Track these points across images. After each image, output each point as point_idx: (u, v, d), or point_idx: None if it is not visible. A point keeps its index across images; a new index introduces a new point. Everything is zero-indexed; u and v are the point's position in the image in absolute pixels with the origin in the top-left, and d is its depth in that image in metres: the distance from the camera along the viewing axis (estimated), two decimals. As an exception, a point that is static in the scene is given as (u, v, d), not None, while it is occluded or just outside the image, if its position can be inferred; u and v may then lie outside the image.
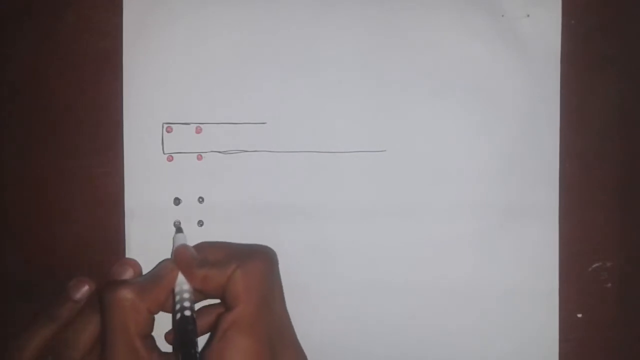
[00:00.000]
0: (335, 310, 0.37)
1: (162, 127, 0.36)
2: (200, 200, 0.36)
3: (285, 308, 0.33)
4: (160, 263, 0.33)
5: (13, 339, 0.33)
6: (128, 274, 0.35)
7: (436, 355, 0.37)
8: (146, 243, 0.36)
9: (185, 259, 0.32)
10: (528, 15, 0.37)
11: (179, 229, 0.36)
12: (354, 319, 0.37)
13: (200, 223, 0.36)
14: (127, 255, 0.36)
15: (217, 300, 0.33)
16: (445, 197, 0.37)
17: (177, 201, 0.36)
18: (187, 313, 0.30)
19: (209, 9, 0.36)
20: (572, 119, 0.37)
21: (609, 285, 0.37)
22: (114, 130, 0.36)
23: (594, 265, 0.37)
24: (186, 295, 0.31)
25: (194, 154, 0.36)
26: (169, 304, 0.31)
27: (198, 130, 0.36)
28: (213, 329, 0.31)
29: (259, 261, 0.31)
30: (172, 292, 0.31)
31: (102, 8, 0.36)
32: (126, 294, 0.29)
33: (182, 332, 0.29)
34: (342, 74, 0.36)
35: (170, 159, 0.36)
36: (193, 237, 0.35)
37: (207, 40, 0.36)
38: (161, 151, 0.36)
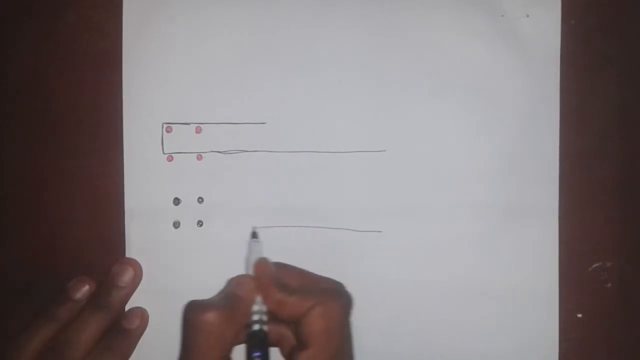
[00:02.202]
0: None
1: (162, 127, 0.36)
2: (200, 200, 0.36)
3: (353, 351, 0.32)
4: (239, 278, 0.32)
5: (13, 339, 0.33)
6: (128, 274, 0.35)
7: (436, 354, 0.37)
8: (146, 243, 0.36)
9: (265, 277, 0.31)
10: (528, 15, 0.37)
11: (254, 235, 0.35)
12: (354, 319, 0.37)
13: (200, 223, 0.36)
14: (127, 255, 0.36)
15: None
16: (445, 197, 0.37)
17: (176, 201, 0.36)
18: (265, 328, 0.30)
19: (209, 9, 0.36)
20: (572, 119, 0.37)
21: (609, 285, 0.37)
22: (114, 130, 0.36)
23: (594, 265, 0.37)
24: (264, 310, 0.31)
25: (193, 154, 0.36)
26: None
27: (198, 130, 0.36)
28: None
29: (340, 303, 0.31)
30: None
31: (102, 8, 0.36)
32: (213, 318, 0.29)
33: (257, 348, 0.30)
34: (342, 74, 0.36)
35: (170, 159, 0.36)
36: (193, 237, 0.35)
37: (207, 40, 0.36)
38: (161, 151, 0.36)
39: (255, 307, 0.31)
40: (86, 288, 0.34)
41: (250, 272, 0.32)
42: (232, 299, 0.31)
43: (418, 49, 0.37)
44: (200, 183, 0.36)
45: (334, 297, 0.31)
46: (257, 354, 0.30)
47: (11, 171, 0.36)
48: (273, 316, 0.31)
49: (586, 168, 0.37)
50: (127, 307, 0.35)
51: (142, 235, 0.36)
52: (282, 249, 0.35)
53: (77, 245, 0.36)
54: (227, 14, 0.36)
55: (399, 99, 0.37)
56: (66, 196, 0.36)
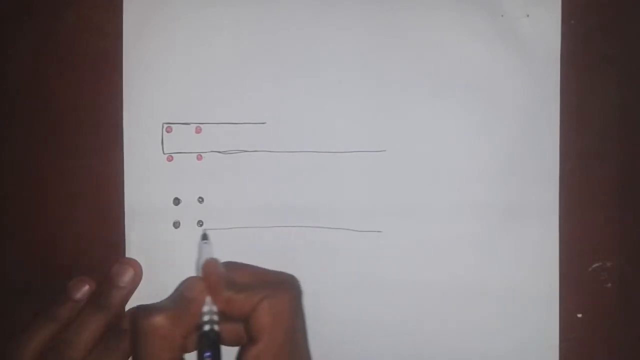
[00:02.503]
0: (334, 310, 0.37)
1: (162, 127, 0.36)
2: (200, 200, 0.36)
3: (307, 341, 0.32)
4: (188, 280, 0.32)
5: (13, 339, 0.33)
6: (128, 274, 0.35)
7: (436, 355, 0.37)
8: (146, 243, 0.36)
9: (214, 276, 0.31)
10: (528, 15, 0.37)
11: (205, 237, 0.35)
12: (354, 319, 0.37)
13: (200, 223, 0.36)
14: (127, 255, 0.36)
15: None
16: (445, 197, 0.37)
17: (176, 201, 0.36)
18: (216, 328, 0.30)
19: (209, 9, 0.36)
20: (572, 119, 0.37)
21: (609, 285, 0.37)
22: (114, 130, 0.36)
23: (594, 265, 0.37)
24: (214, 310, 0.31)
25: (193, 154, 0.36)
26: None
27: (198, 130, 0.36)
28: (237, 357, 0.31)
29: (287, 295, 0.31)
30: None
31: (102, 8, 0.36)
32: (160, 322, 0.29)
33: (207, 348, 0.29)
34: (342, 74, 0.36)
35: (170, 159, 0.36)
36: (193, 237, 0.35)
37: (207, 40, 0.36)
38: (161, 151, 0.36)
39: (206, 308, 0.31)
40: (86, 288, 0.34)
41: (200, 273, 0.32)
42: (180, 301, 0.30)
43: (418, 49, 0.37)
44: (200, 183, 0.36)
45: (281, 289, 0.31)
46: (208, 354, 0.29)
47: (11, 171, 0.36)
48: (224, 316, 0.31)
49: (586, 168, 0.37)
50: (127, 307, 0.35)
51: (142, 235, 0.36)
52: (282, 249, 0.35)
53: (77, 245, 0.36)
54: (227, 14, 0.36)
55: (399, 99, 0.37)
56: (66, 196, 0.36)
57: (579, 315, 0.37)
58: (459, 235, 0.37)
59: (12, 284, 0.36)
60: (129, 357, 0.34)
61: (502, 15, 0.37)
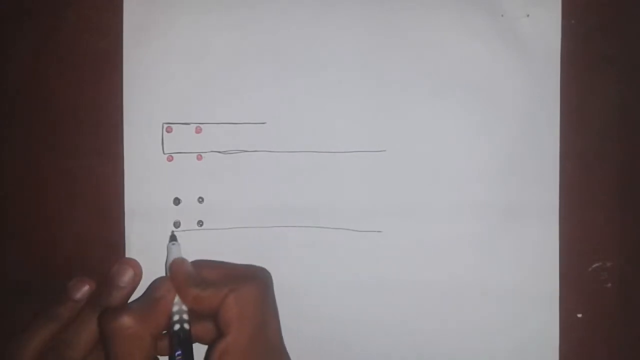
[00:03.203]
0: (335, 310, 0.37)
1: (162, 127, 0.36)
2: (200, 200, 0.36)
3: (280, 332, 0.32)
4: (156, 281, 0.32)
5: (13, 339, 0.33)
6: (128, 274, 0.35)
7: (436, 355, 0.37)
8: (146, 243, 0.36)
9: (180, 275, 0.31)
10: (528, 15, 0.37)
11: (173, 238, 0.35)
12: (354, 319, 0.37)
13: (200, 223, 0.36)
14: (127, 255, 0.36)
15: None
16: (445, 197, 0.37)
17: (177, 201, 0.36)
18: (186, 326, 0.30)
19: (209, 9, 0.36)
20: (572, 119, 0.37)
21: (609, 285, 0.37)
22: (114, 130, 0.36)
23: (594, 265, 0.37)
24: (184, 309, 0.31)
25: (193, 154, 0.36)
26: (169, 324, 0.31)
27: (198, 130, 0.36)
28: (206, 352, 0.30)
29: (253, 286, 0.31)
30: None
31: (102, 8, 0.36)
32: (127, 322, 0.29)
33: (178, 346, 0.29)
34: (342, 74, 0.36)
35: (170, 159, 0.36)
36: (193, 237, 0.35)
37: (207, 40, 0.36)
38: (161, 151, 0.36)
39: (176, 308, 0.31)
40: (86, 288, 0.34)
41: (168, 274, 0.32)
42: (148, 301, 0.30)
43: (418, 49, 0.37)
44: (200, 183, 0.36)
45: (247, 281, 0.31)
46: (178, 352, 0.29)
47: (11, 171, 0.36)
48: (194, 314, 0.31)
49: (586, 168, 0.37)
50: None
51: (142, 235, 0.36)
52: (282, 249, 0.35)
53: (77, 245, 0.36)
54: (227, 14, 0.36)
55: (399, 99, 0.37)
56: (66, 196, 0.36)
57: (579, 315, 0.37)
58: (459, 235, 0.37)
59: (12, 284, 0.36)
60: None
61: (502, 15, 0.37)
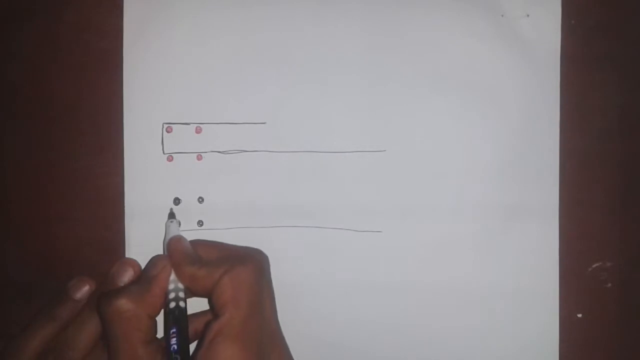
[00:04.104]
0: (335, 310, 0.37)
1: (162, 127, 0.36)
2: (200, 200, 0.36)
3: (276, 314, 0.32)
4: (153, 259, 0.32)
5: (13, 339, 0.33)
6: (128, 274, 0.35)
7: (436, 355, 0.37)
8: (146, 243, 0.36)
9: (177, 252, 0.31)
10: (528, 15, 0.37)
11: (171, 215, 0.35)
12: (354, 319, 0.37)
13: (200, 223, 0.36)
14: (127, 255, 0.36)
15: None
16: (445, 197, 0.37)
17: (177, 201, 0.36)
18: (181, 304, 0.30)
19: (209, 9, 0.36)
20: (572, 118, 0.37)
21: (609, 285, 0.37)
22: (114, 130, 0.36)
23: (594, 265, 0.37)
24: (180, 287, 0.31)
25: (194, 154, 0.36)
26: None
27: (198, 130, 0.36)
28: (201, 335, 0.30)
29: (248, 267, 0.30)
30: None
31: (102, 8, 0.36)
32: (124, 304, 0.29)
33: (173, 324, 0.29)
34: (342, 74, 0.36)
35: (170, 159, 0.36)
36: (193, 237, 0.35)
37: (207, 40, 0.36)
38: (161, 151, 0.36)
39: (172, 286, 0.31)
40: (86, 288, 0.34)
41: (166, 252, 0.32)
42: (144, 281, 0.31)
43: (418, 49, 0.37)
44: (200, 183, 0.36)
45: (242, 262, 0.30)
46: (173, 330, 0.29)
47: (11, 171, 0.36)
48: (190, 292, 0.31)
49: (586, 168, 0.37)
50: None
51: (142, 235, 0.36)
52: (282, 249, 0.35)
53: (77, 245, 0.36)
54: (228, 14, 0.36)
55: (399, 99, 0.37)
56: (66, 196, 0.36)
57: (579, 315, 0.37)
58: (458, 235, 0.37)
59: (12, 284, 0.36)
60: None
61: (502, 15, 0.37)
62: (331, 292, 0.37)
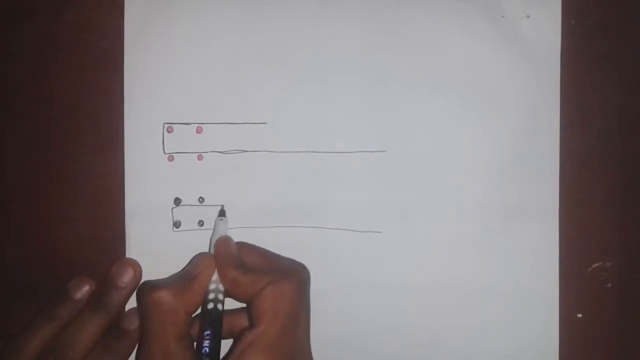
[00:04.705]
0: (335, 310, 0.37)
1: (163, 127, 0.36)
2: (201, 200, 0.36)
3: (309, 332, 0.32)
4: (198, 256, 0.32)
5: (13, 339, 0.33)
6: (128, 274, 0.35)
7: (436, 355, 0.37)
8: (146, 243, 0.36)
9: (224, 254, 0.31)
10: (528, 16, 0.37)
11: (222, 213, 0.35)
12: (354, 319, 0.37)
13: (201, 223, 0.36)
14: (127, 255, 0.36)
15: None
16: (445, 198, 0.37)
17: (177, 201, 0.36)
18: (219, 307, 0.30)
19: (210, 9, 0.36)
20: (572, 118, 0.37)
21: (609, 285, 0.37)
22: (114, 130, 0.36)
23: (594, 265, 0.37)
24: (220, 289, 0.31)
25: (194, 154, 0.36)
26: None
27: (198, 130, 0.36)
28: (234, 338, 0.31)
29: (292, 282, 0.30)
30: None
31: (102, 8, 0.36)
32: (164, 297, 0.29)
33: (208, 326, 0.29)
34: (342, 74, 0.36)
35: (170, 159, 0.36)
36: (193, 237, 0.35)
37: (207, 40, 0.36)
38: (162, 151, 0.36)
39: (213, 286, 0.31)
40: (86, 288, 0.34)
41: (213, 250, 0.32)
42: (187, 277, 0.31)
43: (418, 50, 0.37)
44: (200, 183, 0.36)
45: (287, 277, 0.31)
46: (208, 332, 0.29)
47: (11, 171, 0.36)
48: (229, 296, 0.31)
49: (586, 168, 0.37)
50: (127, 307, 0.35)
51: (142, 235, 0.36)
52: (282, 249, 0.35)
53: (77, 245, 0.36)
54: (228, 14, 0.36)
55: (400, 99, 0.37)
56: (66, 196, 0.36)
57: (579, 315, 0.37)
58: (459, 235, 0.37)
59: (12, 284, 0.36)
60: (128, 357, 0.34)
61: (502, 16, 0.37)
62: (331, 292, 0.37)
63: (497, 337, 0.37)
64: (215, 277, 0.31)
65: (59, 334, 0.33)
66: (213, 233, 0.34)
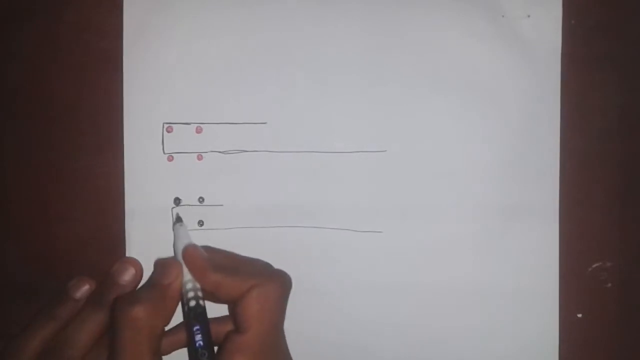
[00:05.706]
0: (335, 310, 0.37)
1: (163, 127, 0.36)
2: (201, 200, 0.36)
3: (284, 333, 0.32)
4: (163, 264, 0.31)
5: (13, 339, 0.33)
6: (129, 273, 0.35)
7: (436, 355, 0.37)
8: (146, 243, 0.36)
9: (199, 261, 0.31)
10: (528, 16, 0.37)
11: (178, 219, 0.35)
12: (354, 319, 0.37)
13: (201, 223, 0.36)
14: (127, 255, 0.36)
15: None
16: (445, 198, 0.37)
17: (177, 201, 0.36)
18: (201, 302, 0.30)
19: (210, 9, 0.36)
20: (572, 118, 0.37)
21: (609, 285, 0.37)
22: (114, 130, 0.36)
23: (594, 265, 0.37)
24: (197, 286, 0.31)
25: (194, 154, 0.36)
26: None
27: (198, 130, 0.36)
28: (220, 343, 0.30)
29: (277, 285, 0.31)
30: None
31: (102, 8, 0.36)
32: (139, 313, 0.29)
33: (195, 322, 0.29)
34: (342, 74, 0.36)
35: (170, 158, 0.36)
36: (193, 237, 0.35)
37: (207, 40, 0.36)
38: (161, 151, 0.36)
39: (189, 285, 0.31)
40: (86, 287, 0.34)
41: (179, 257, 0.32)
42: (158, 289, 0.30)
43: (418, 50, 0.37)
44: (200, 183, 0.36)
45: (273, 281, 0.31)
46: (197, 327, 0.29)
47: (11, 171, 0.36)
48: (209, 297, 0.31)
49: (586, 168, 0.37)
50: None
51: (142, 235, 0.36)
52: (282, 249, 0.35)
53: (77, 245, 0.36)
54: (228, 14, 0.36)
55: (400, 99, 0.37)
56: (66, 196, 0.36)
57: (579, 315, 0.37)
58: (459, 235, 0.37)
59: (12, 284, 0.36)
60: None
61: (502, 16, 0.37)
62: (331, 292, 0.37)
63: (497, 337, 0.37)
64: (188, 277, 0.31)
65: (59, 333, 0.33)
66: (175, 240, 0.33)
